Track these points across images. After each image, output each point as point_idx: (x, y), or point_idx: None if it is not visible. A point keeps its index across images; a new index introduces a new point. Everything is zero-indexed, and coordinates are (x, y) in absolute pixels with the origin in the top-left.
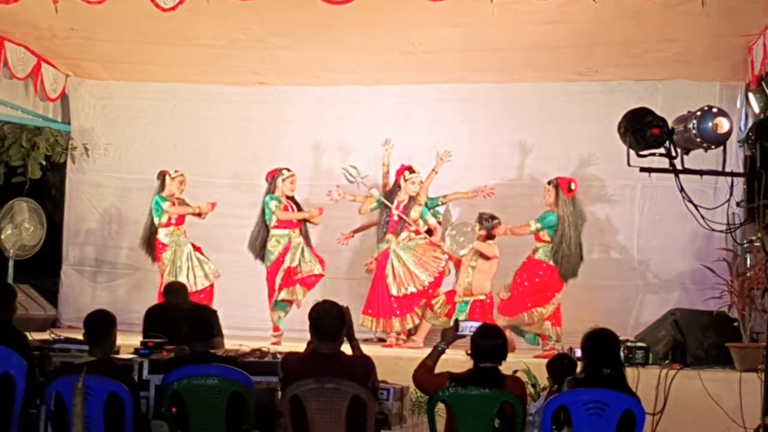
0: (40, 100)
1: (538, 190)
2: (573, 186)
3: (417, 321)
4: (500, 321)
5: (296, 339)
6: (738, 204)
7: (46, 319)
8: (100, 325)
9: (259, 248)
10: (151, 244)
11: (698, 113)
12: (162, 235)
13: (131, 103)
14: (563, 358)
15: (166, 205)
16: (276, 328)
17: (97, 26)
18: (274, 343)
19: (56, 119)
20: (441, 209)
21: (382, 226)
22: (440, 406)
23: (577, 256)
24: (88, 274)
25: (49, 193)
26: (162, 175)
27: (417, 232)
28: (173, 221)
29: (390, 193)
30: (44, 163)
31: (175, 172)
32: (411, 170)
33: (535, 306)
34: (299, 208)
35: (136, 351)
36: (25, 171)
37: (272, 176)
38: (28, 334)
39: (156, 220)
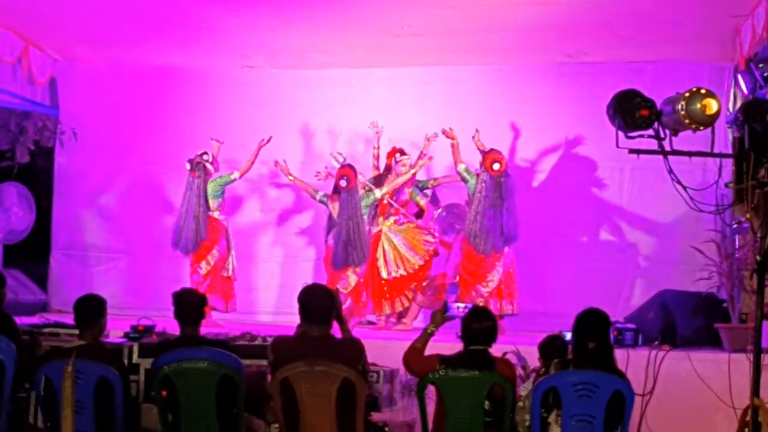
0: (28, 84)
1: (528, 172)
2: (497, 166)
3: (407, 304)
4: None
5: (286, 322)
6: (726, 185)
7: (35, 304)
8: (90, 309)
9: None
10: (203, 231)
11: (687, 94)
12: (221, 216)
13: (119, 87)
14: (555, 340)
15: (235, 174)
16: None
17: (85, 9)
18: None
19: (44, 103)
20: (429, 192)
21: (371, 208)
22: (430, 389)
23: (486, 234)
24: (77, 258)
25: (37, 177)
26: (195, 163)
27: (406, 216)
28: None
29: (380, 176)
30: (33, 147)
31: (205, 153)
32: (402, 152)
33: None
34: None
35: (126, 335)
36: (14, 155)
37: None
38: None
39: (215, 203)
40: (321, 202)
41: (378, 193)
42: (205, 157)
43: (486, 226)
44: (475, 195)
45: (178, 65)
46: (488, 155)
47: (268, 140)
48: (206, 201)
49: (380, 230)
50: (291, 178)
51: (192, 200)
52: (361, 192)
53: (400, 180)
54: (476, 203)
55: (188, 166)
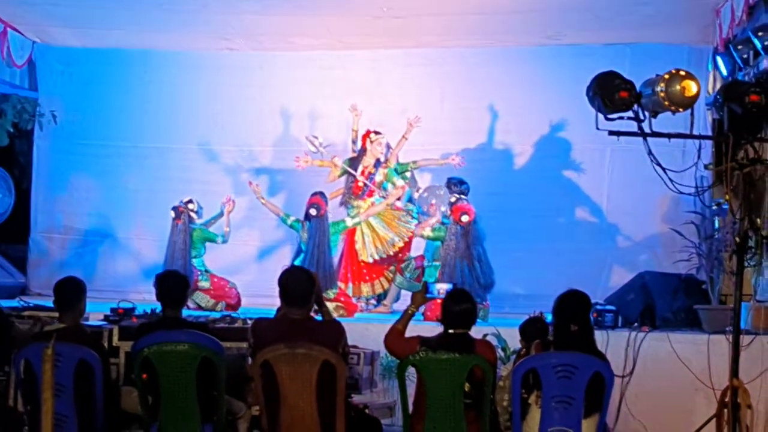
0: (7, 66)
1: (508, 154)
2: (465, 218)
3: (387, 285)
4: None
5: (266, 305)
6: (706, 167)
7: (14, 287)
8: (70, 292)
9: None
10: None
11: (666, 76)
12: (199, 264)
13: (99, 70)
14: (537, 322)
15: (220, 238)
16: None
17: None
18: None
19: (23, 86)
20: (408, 174)
21: (346, 191)
22: (411, 370)
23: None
24: (57, 241)
25: (17, 160)
26: (180, 212)
27: (385, 197)
28: None
29: (356, 158)
30: (12, 130)
31: (190, 201)
32: (376, 132)
33: None
34: None
35: (106, 318)
36: None
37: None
38: None
39: (197, 252)
40: (292, 227)
41: (349, 222)
42: (190, 206)
43: (462, 280)
44: (443, 247)
45: (158, 47)
46: (456, 208)
47: (233, 204)
48: (191, 248)
49: (359, 212)
50: (263, 201)
51: (177, 247)
52: (331, 219)
53: (378, 208)
54: (445, 256)
55: (172, 214)
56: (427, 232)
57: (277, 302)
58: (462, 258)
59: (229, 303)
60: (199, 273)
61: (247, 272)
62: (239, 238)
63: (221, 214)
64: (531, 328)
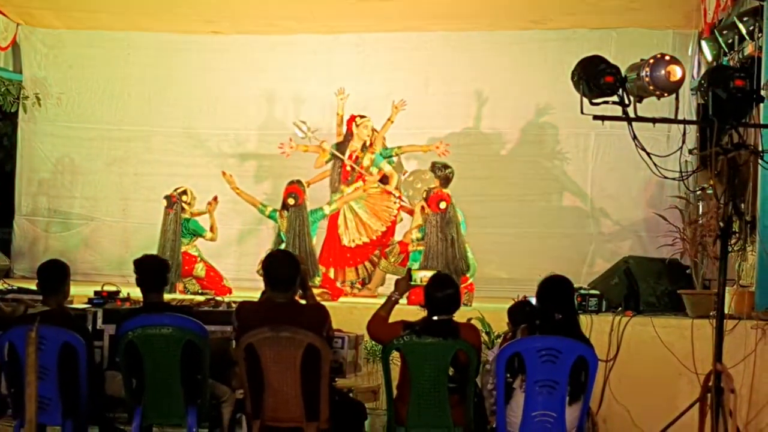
0: None
1: (493, 138)
2: (443, 205)
3: (371, 270)
4: None
5: (251, 288)
6: (690, 152)
7: None
8: (54, 275)
9: None
10: (179, 266)
11: (651, 61)
12: (193, 250)
13: (83, 52)
14: (525, 305)
15: (208, 234)
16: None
17: None
18: None
19: (7, 68)
20: (394, 160)
21: (334, 176)
22: (395, 354)
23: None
24: (41, 224)
25: (0, 142)
26: (173, 201)
27: (364, 179)
28: None
29: (342, 143)
30: None
31: (184, 193)
32: (361, 116)
33: None
34: None
35: (90, 301)
36: None
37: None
38: None
39: (186, 240)
40: (270, 217)
41: (327, 209)
42: (184, 197)
43: (446, 266)
44: (425, 238)
45: (142, 30)
46: (431, 197)
47: (216, 200)
48: (181, 237)
49: (341, 197)
50: (238, 191)
51: (168, 237)
52: (309, 207)
53: (355, 195)
54: (427, 247)
55: (164, 203)
56: (415, 234)
57: (260, 286)
58: (440, 245)
59: None
60: (196, 259)
61: (228, 256)
62: (221, 221)
63: (205, 212)
64: (519, 312)
